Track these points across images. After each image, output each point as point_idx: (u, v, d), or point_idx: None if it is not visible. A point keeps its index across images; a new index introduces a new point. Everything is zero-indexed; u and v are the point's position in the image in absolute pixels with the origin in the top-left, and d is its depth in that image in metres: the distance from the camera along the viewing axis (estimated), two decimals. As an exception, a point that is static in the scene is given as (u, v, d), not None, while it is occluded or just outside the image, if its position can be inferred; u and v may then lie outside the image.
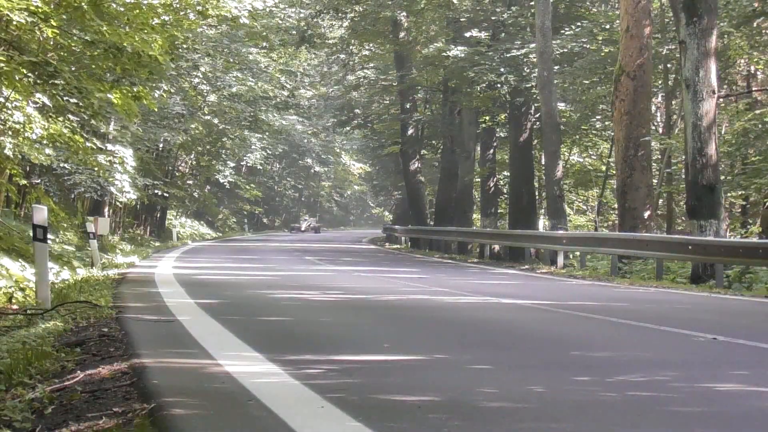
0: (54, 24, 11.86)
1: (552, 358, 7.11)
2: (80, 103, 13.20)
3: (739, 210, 29.14)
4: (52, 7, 11.93)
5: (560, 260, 22.86)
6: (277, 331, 8.91)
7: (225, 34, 33.07)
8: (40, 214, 10.89)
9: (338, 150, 78.18)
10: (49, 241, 12.40)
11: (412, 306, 11.78)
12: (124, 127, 27.99)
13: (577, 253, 23.67)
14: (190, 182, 46.78)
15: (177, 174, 44.34)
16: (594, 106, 32.73)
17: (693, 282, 17.35)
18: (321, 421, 4.65)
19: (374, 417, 4.67)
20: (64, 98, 12.81)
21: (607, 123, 32.75)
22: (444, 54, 32.55)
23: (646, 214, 22.93)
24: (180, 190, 42.60)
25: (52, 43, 12.52)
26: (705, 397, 5.47)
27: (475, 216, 40.07)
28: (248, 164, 56.21)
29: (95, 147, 13.98)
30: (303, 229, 67.34)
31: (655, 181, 28.08)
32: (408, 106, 40.96)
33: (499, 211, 37.84)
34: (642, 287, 16.40)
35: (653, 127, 29.66)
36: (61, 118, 13.54)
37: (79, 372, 6.42)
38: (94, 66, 12.89)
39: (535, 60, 28.30)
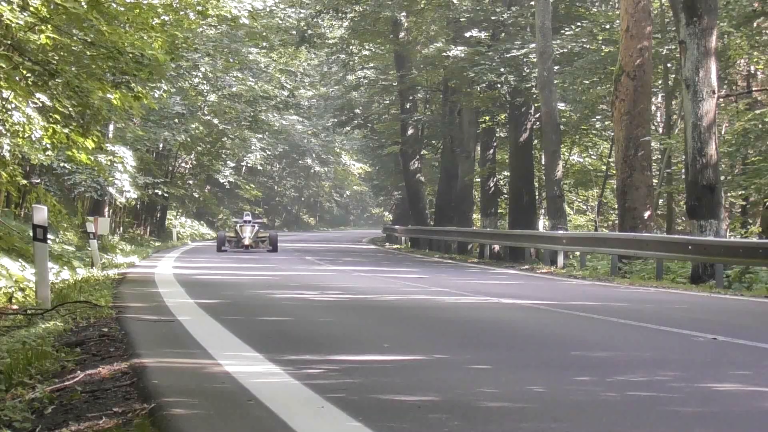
0: (52, 27, 11.85)
1: (552, 358, 7.11)
2: (79, 103, 13.19)
3: (739, 210, 29.12)
4: (51, 7, 11.92)
5: (560, 260, 22.86)
6: (277, 331, 8.90)
7: (225, 34, 33.07)
8: (40, 214, 10.89)
9: (338, 150, 78.07)
10: (49, 241, 12.40)
11: (412, 306, 11.78)
12: (124, 126, 27.99)
13: (577, 253, 23.66)
14: (190, 182, 46.76)
15: (177, 174, 44.32)
16: (594, 106, 32.68)
17: (693, 282, 17.34)
18: (321, 421, 4.65)
19: (374, 417, 4.67)
20: (63, 100, 12.79)
21: (607, 123, 32.72)
22: (444, 54, 32.53)
23: (646, 214, 22.91)
24: (180, 189, 42.59)
25: (52, 43, 12.51)
26: (705, 397, 5.47)
27: (475, 216, 40.05)
28: (248, 164, 56.17)
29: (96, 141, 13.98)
30: (249, 241, 30.62)
31: (655, 181, 28.06)
32: (408, 106, 40.95)
33: (499, 211, 37.81)
34: (642, 287, 16.39)
35: (653, 127, 29.64)
36: (59, 117, 13.53)
37: (79, 372, 6.42)
38: (94, 66, 12.88)
39: (535, 60, 28.30)
